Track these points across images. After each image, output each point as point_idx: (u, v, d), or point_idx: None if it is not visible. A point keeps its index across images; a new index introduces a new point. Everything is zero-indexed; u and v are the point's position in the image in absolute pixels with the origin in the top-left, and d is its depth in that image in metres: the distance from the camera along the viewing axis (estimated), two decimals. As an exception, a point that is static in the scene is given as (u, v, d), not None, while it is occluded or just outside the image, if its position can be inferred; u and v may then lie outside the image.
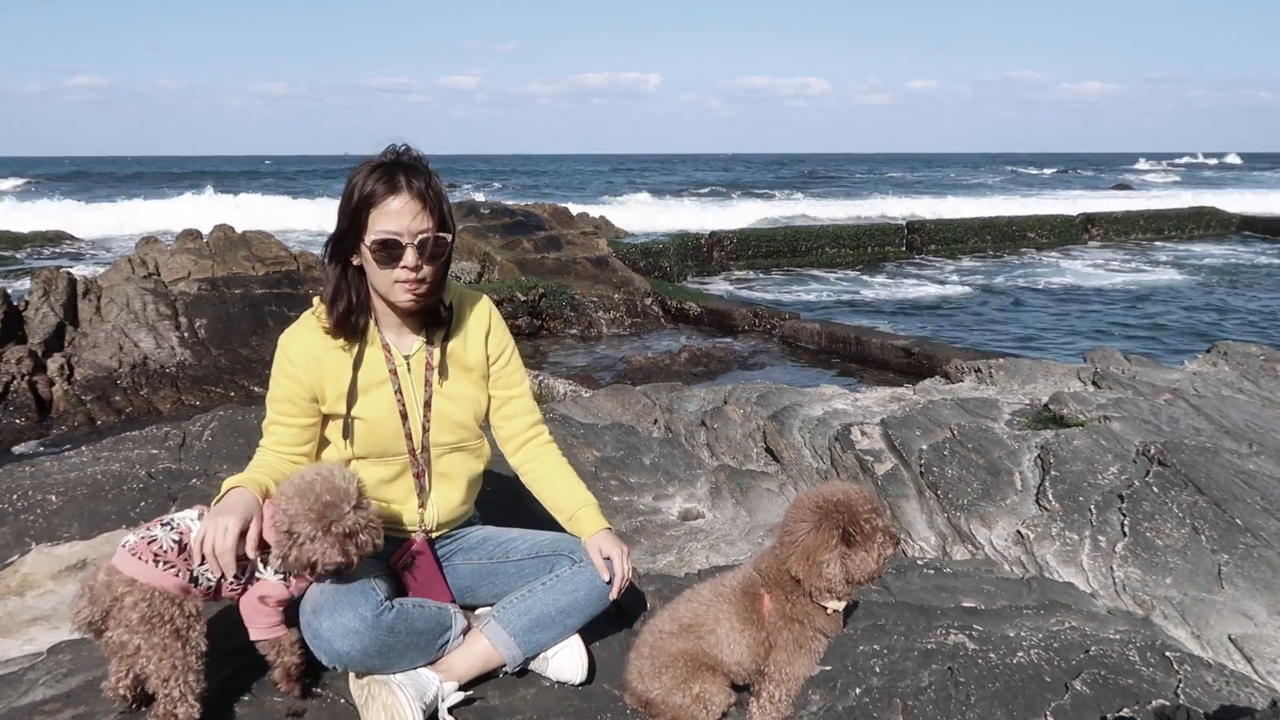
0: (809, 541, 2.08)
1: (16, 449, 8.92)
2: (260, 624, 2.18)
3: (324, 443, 2.45)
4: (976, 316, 16.12)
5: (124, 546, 2.10)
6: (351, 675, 2.27)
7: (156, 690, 2.06)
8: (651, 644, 2.26)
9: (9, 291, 11.49)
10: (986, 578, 3.36)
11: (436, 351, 2.47)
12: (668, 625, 2.26)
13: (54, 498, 3.58)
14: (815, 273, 21.15)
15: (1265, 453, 4.29)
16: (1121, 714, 2.37)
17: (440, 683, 2.28)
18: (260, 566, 2.16)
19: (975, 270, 21.59)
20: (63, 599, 2.97)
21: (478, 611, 2.56)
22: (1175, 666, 2.64)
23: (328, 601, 2.18)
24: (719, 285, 19.21)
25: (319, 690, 2.32)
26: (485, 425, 2.67)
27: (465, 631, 2.41)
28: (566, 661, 2.43)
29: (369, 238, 2.26)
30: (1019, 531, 3.80)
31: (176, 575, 2.07)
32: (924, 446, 4.43)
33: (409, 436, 2.44)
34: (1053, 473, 4.06)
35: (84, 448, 4.31)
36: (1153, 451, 4.12)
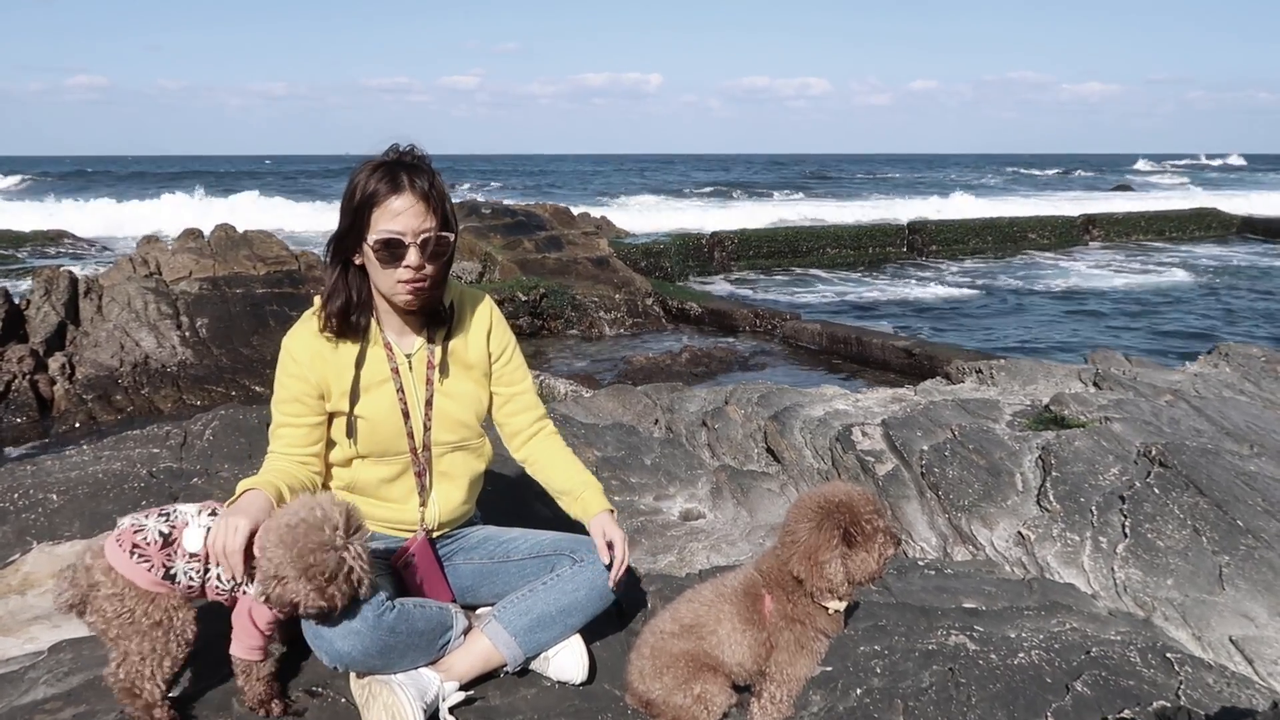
0: (810, 541, 2.08)
1: (18, 448, 8.92)
2: (243, 641, 2.16)
3: (329, 443, 2.45)
4: (978, 317, 16.11)
5: (116, 530, 2.11)
6: (352, 675, 2.27)
7: (129, 668, 2.07)
8: (653, 644, 2.26)
9: (10, 290, 11.50)
10: (987, 579, 3.35)
11: (438, 350, 2.48)
12: (669, 625, 2.26)
13: (55, 496, 3.58)
14: (816, 273, 21.15)
15: (1266, 454, 4.28)
16: (1122, 715, 2.37)
17: (441, 682, 2.28)
18: (248, 581, 2.14)
19: (976, 271, 21.58)
20: (55, 600, 2.97)
21: (479, 611, 2.56)
22: (1176, 668, 2.64)
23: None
24: (720, 285, 19.21)
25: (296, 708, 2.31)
26: (488, 424, 2.67)
27: (466, 631, 2.41)
28: (567, 661, 2.43)
29: (372, 237, 2.26)
30: (1020, 532, 3.80)
31: (149, 570, 2.05)
32: (925, 447, 4.43)
33: (410, 435, 2.44)
34: (1054, 474, 4.06)
35: (85, 446, 4.32)
36: (1154, 453, 4.12)
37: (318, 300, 2.43)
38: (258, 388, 10.63)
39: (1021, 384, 6.05)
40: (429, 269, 2.31)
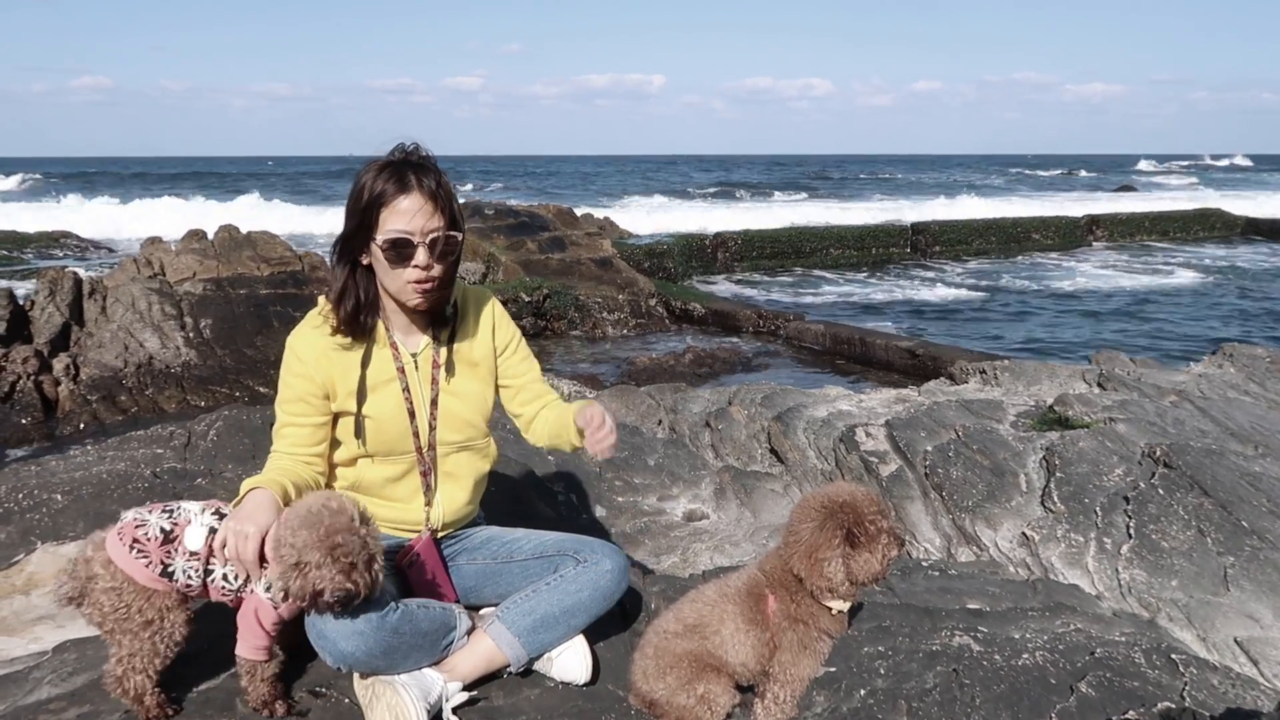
0: (813, 541, 2.08)
1: (22, 448, 8.94)
2: (248, 641, 2.15)
3: (334, 443, 2.45)
4: (981, 318, 16.10)
5: (119, 523, 2.11)
6: (356, 675, 2.27)
7: (122, 662, 2.09)
8: (656, 644, 2.26)
9: (15, 291, 11.52)
10: (991, 579, 3.35)
11: (443, 350, 2.47)
12: (672, 626, 2.26)
13: (59, 497, 3.58)
14: (820, 274, 21.14)
15: (1271, 455, 4.27)
16: (1127, 716, 2.36)
17: (444, 683, 2.28)
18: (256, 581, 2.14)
19: (980, 272, 21.56)
20: (56, 593, 2.97)
21: (482, 612, 2.56)
22: (1181, 669, 2.63)
23: (332, 602, 2.18)
24: (723, 286, 19.20)
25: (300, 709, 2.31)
26: (494, 422, 2.66)
27: (470, 632, 2.41)
28: (571, 662, 2.43)
29: (380, 237, 2.26)
30: (1024, 533, 3.80)
31: (147, 566, 2.06)
32: (929, 448, 4.43)
33: (416, 435, 2.44)
34: (1058, 474, 4.05)
35: (89, 447, 4.32)
36: (1158, 453, 4.11)
37: (323, 300, 2.43)
38: (261, 388, 10.65)
39: (1025, 385, 6.05)
40: (437, 269, 2.31)
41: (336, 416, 2.42)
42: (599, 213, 24.52)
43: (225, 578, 2.13)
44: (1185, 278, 20.66)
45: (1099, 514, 3.78)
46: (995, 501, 4.01)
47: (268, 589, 2.10)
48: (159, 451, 4.11)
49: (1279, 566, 3.37)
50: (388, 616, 2.19)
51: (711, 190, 54.79)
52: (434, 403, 2.45)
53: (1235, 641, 3.13)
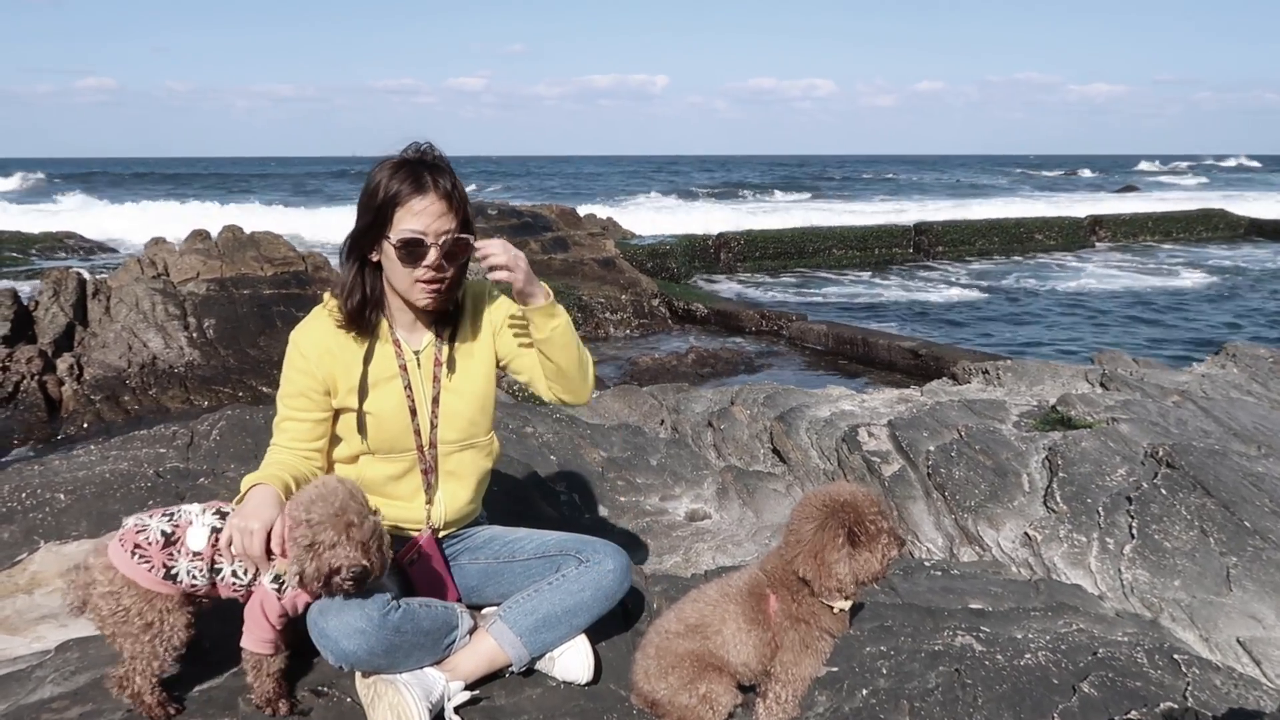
0: (815, 540, 2.08)
1: (26, 448, 8.96)
2: (254, 634, 2.17)
3: (335, 440, 2.45)
4: (984, 318, 16.08)
5: (121, 529, 2.14)
6: (358, 674, 2.27)
7: (125, 663, 2.13)
8: (658, 644, 2.26)
9: (19, 292, 11.55)
10: (994, 579, 3.35)
11: (445, 347, 2.48)
12: (674, 625, 2.26)
13: (62, 496, 3.59)
14: (823, 274, 21.13)
15: (1274, 455, 4.27)
16: (1129, 716, 2.36)
17: (446, 682, 2.28)
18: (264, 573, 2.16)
19: (983, 272, 21.54)
20: (63, 598, 2.98)
21: (484, 611, 2.56)
22: (1184, 669, 2.63)
23: (335, 601, 2.18)
24: (726, 286, 19.20)
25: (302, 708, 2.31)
26: (497, 422, 2.66)
27: (472, 631, 2.41)
28: (573, 661, 2.43)
29: (393, 236, 2.27)
30: (1026, 533, 3.79)
31: (150, 570, 2.08)
32: (931, 448, 4.43)
33: (417, 433, 2.44)
34: (1060, 474, 4.05)
35: (92, 446, 4.33)
36: (1161, 453, 4.10)
37: (328, 296, 2.43)
38: (265, 388, 10.66)
39: (1028, 385, 6.04)
40: (448, 270, 2.32)
41: (338, 413, 2.42)
42: (602, 213, 24.52)
43: (234, 574, 2.14)
44: (1188, 278, 20.63)
45: (1101, 514, 3.78)
46: (998, 501, 4.01)
47: (273, 581, 2.12)
48: (162, 451, 4.11)
49: (1282, 567, 3.36)
50: (390, 615, 2.19)
51: (714, 190, 54.79)
52: (435, 401, 2.46)
53: (1238, 642, 3.13)
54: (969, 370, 7.03)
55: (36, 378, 10.10)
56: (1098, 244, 26.55)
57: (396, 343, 2.44)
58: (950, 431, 4.62)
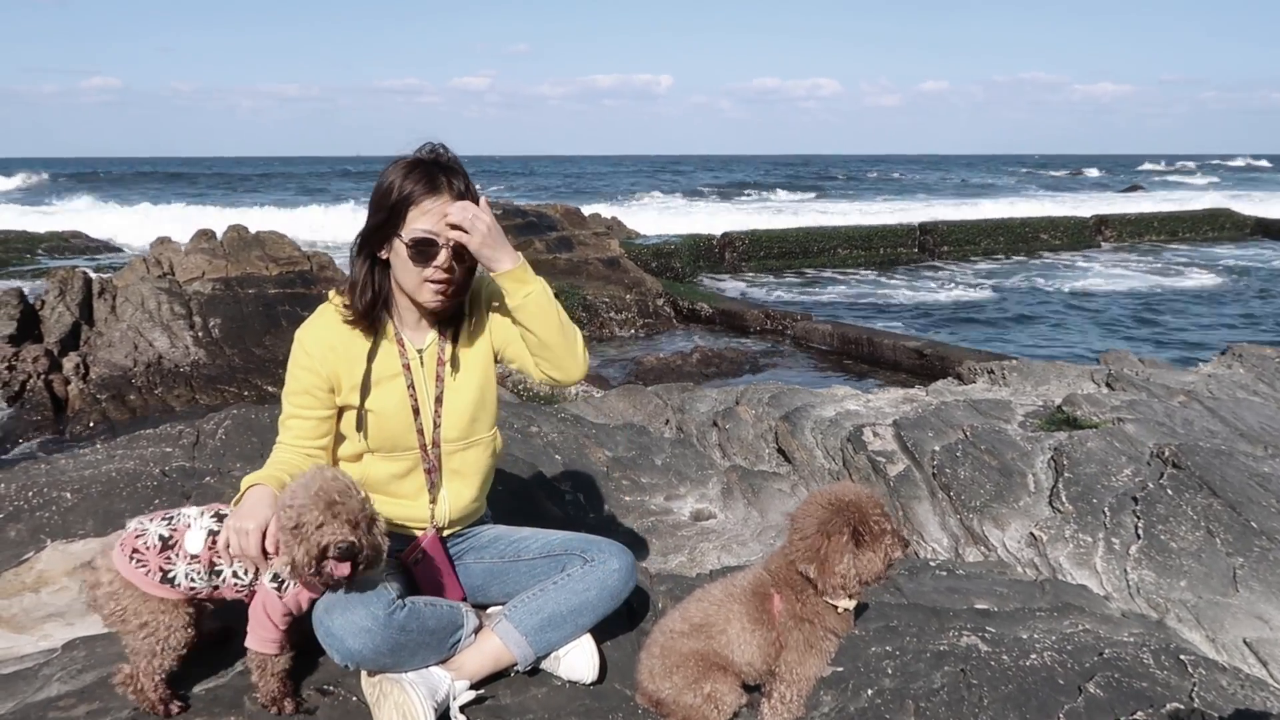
0: (819, 539, 2.08)
1: (32, 446, 8.98)
2: (258, 634, 2.18)
3: (338, 438, 2.46)
4: (989, 318, 16.06)
5: (124, 532, 2.18)
6: (363, 673, 2.27)
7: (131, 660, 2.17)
8: (662, 644, 2.26)
9: (25, 291, 11.58)
10: (999, 579, 3.34)
11: (449, 346, 2.48)
12: (678, 625, 2.26)
13: (69, 495, 3.60)
14: (827, 274, 21.11)
15: (1281, 455, 4.26)
16: (1135, 717, 2.35)
17: (452, 681, 2.28)
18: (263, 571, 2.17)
19: (988, 272, 21.51)
20: (77, 596, 2.99)
21: (489, 610, 2.56)
22: (1190, 670, 2.62)
23: (340, 600, 2.19)
24: (731, 286, 19.19)
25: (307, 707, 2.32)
26: (502, 421, 2.66)
27: (477, 630, 2.42)
28: (578, 661, 2.43)
29: (405, 235, 2.27)
30: (1032, 533, 3.79)
31: (147, 574, 2.10)
32: (936, 448, 4.42)
33: (420, 432, 2.45)
34: (1066, 474, 4.04)
35: (99, 445, 4.34)
36: (1167, 454, 4.09)
37: (333, 294, 2.44)
38: (270, 387, 10.68)
39: (1033, 385, 6.03)
40: (457, 272, 2.32)
41: (341, 411, 2.43)
42: (607, 213, 24.53)
43: (235, 575, 2.15)
44: (1194, 278, 20.58)
45: (1107, 514, 3.77)
46: (1003, 501, 4.00)
47: (273, 580, 2.13)
48: (168, 450, 4.12)
49: (1289, 567, 3.35)
50: (395, 614, 2.19)
51: (719, 190, 54.78)
52: (439, 400, 2.46)
53: (1244, 642, 3.12)
54: (974, 370, 7.02)
55: (43, 377, 10.13)
56: (1103, 244, 26.50)
57: (400, 341, 2.44)
58: (955, 431, 4.62)
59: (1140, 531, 3.63)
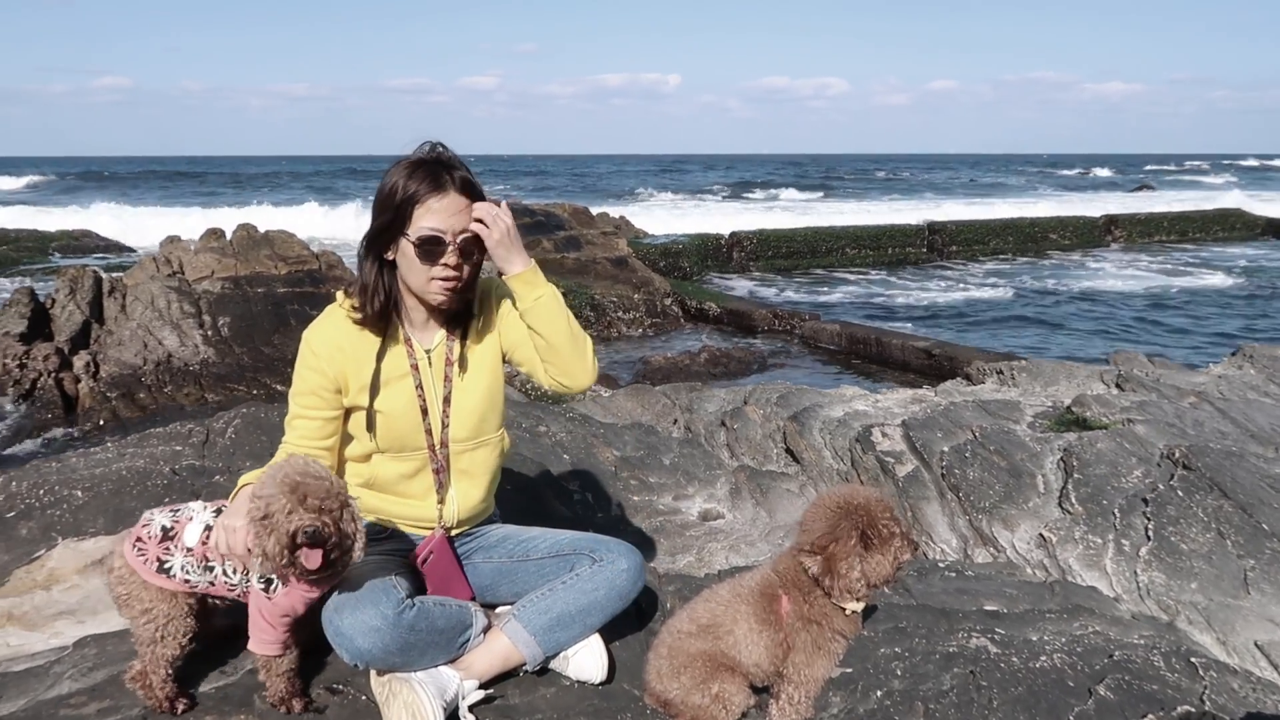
0: (827, 541, 2.08)
1: (43, 445, 9.02)
2: (256, 636, 2.19)
3: (347, 438, 2.46)
4: (998, 318, 16.01)
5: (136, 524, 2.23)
6: (373, 673, 2.28)
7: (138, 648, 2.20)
8: (670, 644, 2.26)
9: (36, 290, 11.63)
10: (1009, 581, 3.33)
11: (457, 346, 2.48)
12: (686, 625, 2.26)
13: (80, 493, 3.61)
14: (836, 274, 21.08)
15: (1293, 457, 4.23)
16: (1146, 720, 2.35)
17: (461, 681, 2.29)
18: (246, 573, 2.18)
19: (997, 272, 21.45)
20: (88, 593, 3.00)
21: (498, 610, 2.57)
22: (1201, 672, 2.61)
23: (349, 599, 2.20)
24: (739, 285, 19.18)
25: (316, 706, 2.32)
26: (508, 421, 2.66)
27: (486, 630, 2.42)
28: (586, 661, 2.44)
29: (412, 234, 2.27)
30: (1041, 534, 3.77)
31: (145, 562, 2.14)
32: (945, 448, 4.41)
33: (428, 432, 2.45)
34: (1076, 475, 4.03)
35: (109, 444, 4.36)
36: (1177, 455, 4.08)
37: (341, 294, 2.44)
38: (279, 386, 10.71)
39: (1043, 385, 6.01)
40: (465, 269, 2.33)
41: (349, 411, 2.43)
42: (615, 212, 24.51)
43: (225, 573, 2.17)
44: (1205, 278, 20.48)
45: (1117, 516, 3.76)
46: (1012, 502, 3.99)
47: (260, 580, 2.14)
48: (178, 449, 4.14)
49: (1300, 570, 3.34)
50: (404, 614, 2.20)
51: (727, 189, 54.75)
52: (447, 400, 2.46)
53: (1256, 645, 3.10)
54: (983, 370, 7.00)
55: (53, 375, 10.18)
56: (1113, 244, 26.39)
57: (408, 341, 2.45)
58: (964, 432, 4.61)
59: (1150, 533, 3.62)
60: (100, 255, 23.91)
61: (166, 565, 2.14)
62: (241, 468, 3.90)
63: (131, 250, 24.98)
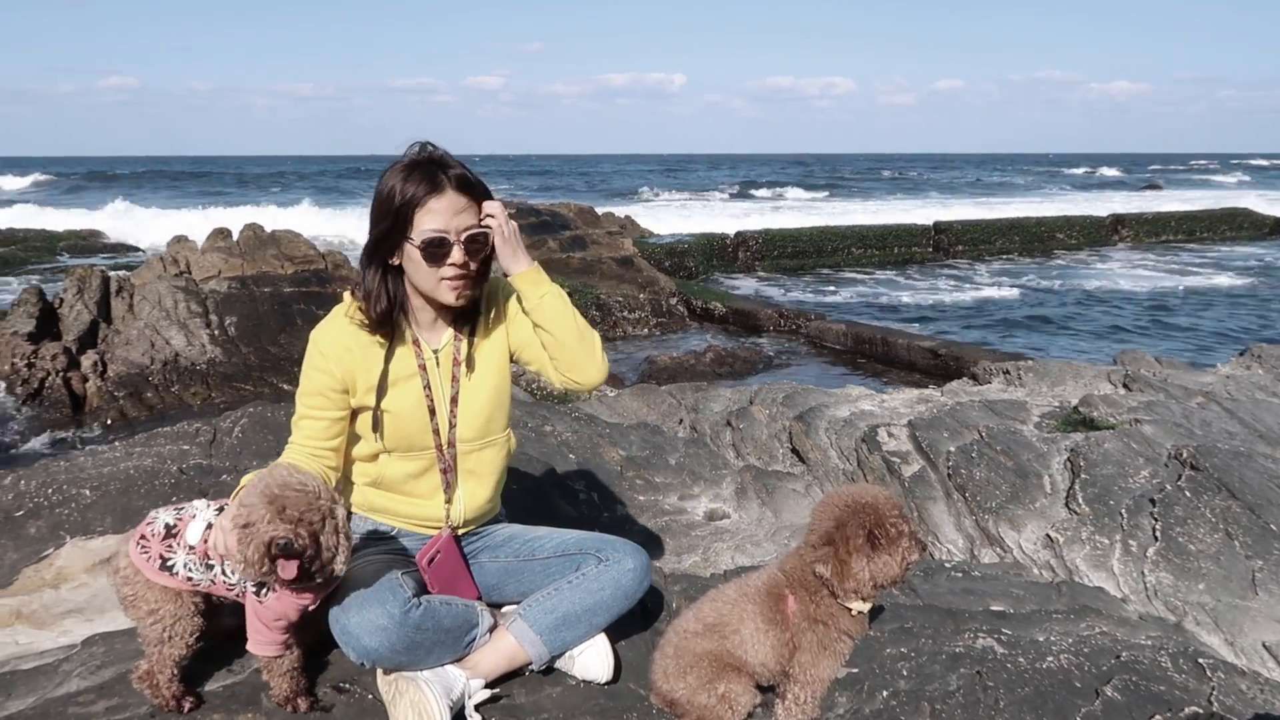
0: (834, 541, 2.07)
1: (51, 444, 9.06)
2: (254, 637, 2.19)
3: (354, 438, 2.47)
4: (1004, 318, 15.98)
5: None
6: (379, 672, 2.28)
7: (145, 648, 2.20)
8: (676, 644, 2.26)
9: (44, 289, 11.67)
10: (1015, 581, 3.32)
11: (464, 345, 2.48)
12: (692, 625, 2.26)
13: (88, 492, 3.63)
14: (841, 273, 21.06)
15: (1301, 457, 4.22)
16: (1153, 721, 2.34)
17: (467, 680, 2.29)
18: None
19: (1004, 272, 21.40)
20: (96, 592, 3.01)
21: (504, 609, 2.57)
22: (1208, 673, 2.60)
23: (356, 598, 2.20)
24: (744, 285, 19.17)
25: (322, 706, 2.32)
26: (515, 420, 2.66)
27: (492, 629, 2.42)
28: (592, 660, 2.44)
29: (416, 238, 2.27)
30: (1048, 535, 3.77)
31: (148, 560, 2.14)
32: (951, 448, 4.40)
33: (436, 432, 2.45)
34: (1082, 476, 4.02)
35: (117, 443, 4.37)
36: (1185, 455, 4.06)
37: (348, 296, 2.44)
38: (286, 385, 10.74)
39: (1049, 385, 6.00)
40: (473, 265, 2.33)
41: (356, 412, 2.44)
42: (620, 211, 24.51)
43: (225, 573, 2.17)
44: (1212, 278, 20.41)
45: (1124, 516, 3.75)
46: (1019, 503, 3.98)
47: (252, 584, 2.14)
48: (185, 448, 4.15)
49: (1308, 570, 3.32)
50: (410, 613, 2.20)
51: (732, 189, 54.71)
52: (454, 400, 2.46)
53: (1264, 646, 3.09)
54: (989, 370, 6.99)
55: (61, 374, 10.21)
56: (1119, 243, 26.32)
57: (416, 342, 2.45)
58: (971, 432, 4.60)
59: (1158, 533, 3.61)
60: (108, 255, 23.99)
61: (169, 563, 2.15)
62: (249, 467, 3.91)
63: (139, 250, 25.06)
